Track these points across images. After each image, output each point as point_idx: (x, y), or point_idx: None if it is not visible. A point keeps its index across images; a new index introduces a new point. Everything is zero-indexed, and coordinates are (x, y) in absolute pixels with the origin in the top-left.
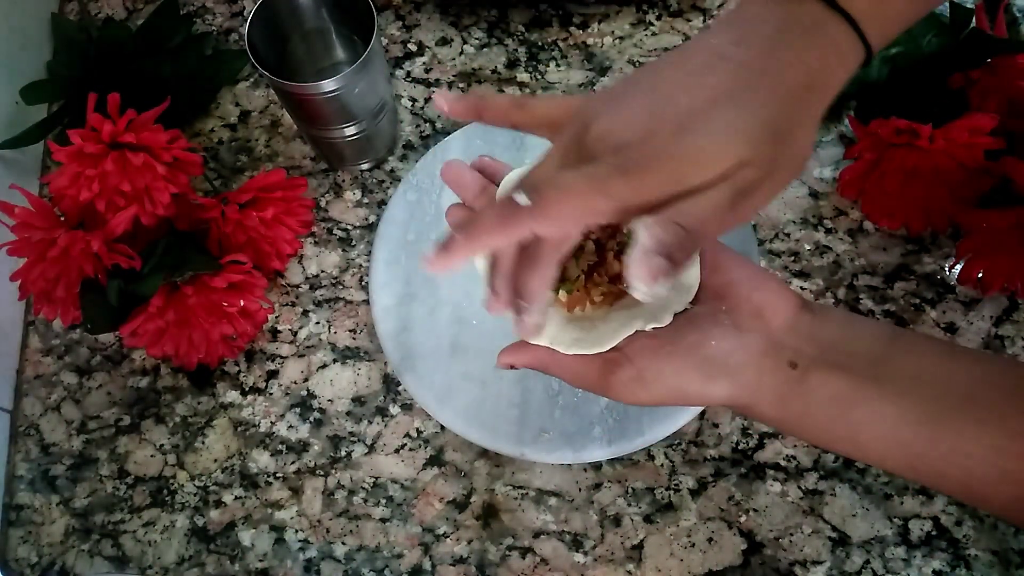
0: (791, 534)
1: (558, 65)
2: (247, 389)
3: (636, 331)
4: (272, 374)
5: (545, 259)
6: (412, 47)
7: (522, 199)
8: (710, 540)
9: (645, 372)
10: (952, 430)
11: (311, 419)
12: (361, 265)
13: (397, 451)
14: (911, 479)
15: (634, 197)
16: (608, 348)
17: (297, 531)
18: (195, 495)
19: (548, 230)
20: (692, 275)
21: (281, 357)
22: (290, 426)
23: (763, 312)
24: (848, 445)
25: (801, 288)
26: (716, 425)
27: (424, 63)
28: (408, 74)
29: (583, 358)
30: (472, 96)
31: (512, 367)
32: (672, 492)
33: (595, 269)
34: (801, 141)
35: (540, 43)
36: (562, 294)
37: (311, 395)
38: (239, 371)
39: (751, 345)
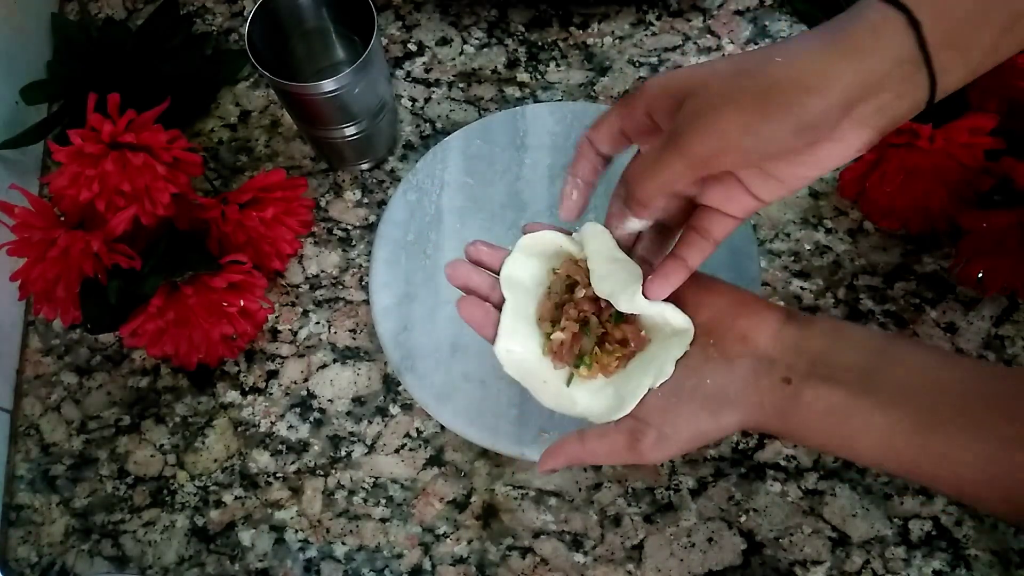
0: (791, 534)
1: (558, 65)
2: (247, 389)
3: (649, 391)
4: (272, 374)
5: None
6: (412, 47)
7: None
8: (710, 540)
9: (664, 429)
10: (942, 439)
11: (311, 419)
12: (361, 265)
13: (397, 451)
14: (909, 482)
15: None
16: (631, 408)
17: (297, 531)
18: (195, 495)
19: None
20: (679, 319)
21: (281, 357)
22: (290, 426)
23: (747, 336)
24: (847, 453)
25: (801, 288)
26: None
27: (424, 63)
28: (408, 74)
29: (609, 438)
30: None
31: (554, 470)
32: (672, 492)
33: (604, 339)
34: (759, 73)
35: (540, 43)
36: (583, 369)
37: (311, 395)
38: (239, 371)
39: (742, 372)
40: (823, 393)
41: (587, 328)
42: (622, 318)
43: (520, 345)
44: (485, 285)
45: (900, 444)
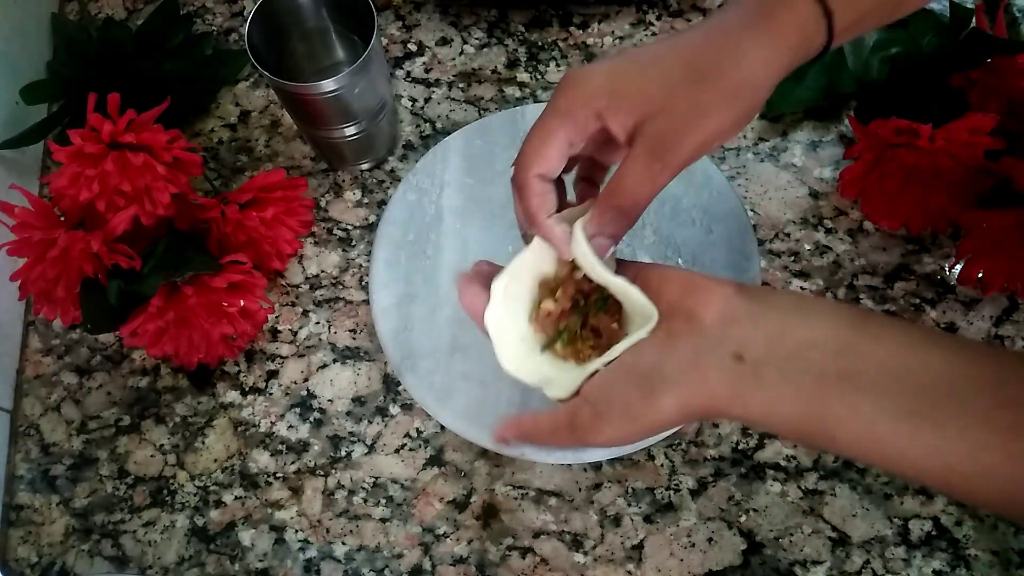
0: (791, 534)
1: (558, 65)
2: (247, 389)
3: (595, 372)
4: (272, 374)
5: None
6: (412, 47)
7: (510, 172)
8: (710, 540)
9: (598, 405)
10: (932, 426)
11: (311, 419)
12: (361, 265)
13: (397, 451)
14: (890, 474)
15: (568, 102)
16: (571, 387)
17: (297, 531)
18: (195, 495)
19: (537, 167)
20: (642, 301)
21: (281, 357)
22: (290, 426)
23: (693, 313)
24: (823, 442)
25: (801, 288)
26: (716, 425)
27: (424, 63)
28: (408, 74)
29: (553, 415)
30: None
31: (506, 442)
32: (672, 492)
33: (584, 324)
34: (732, 78)
35: (540, 43)
36: (558, 345)
37: (311, 395)
38: (239, 371)
39: (684, 348)
40: (789, 374)
41: (579, 308)
42: (602, 308)
43: (509, 306)
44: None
45: (885, 432)
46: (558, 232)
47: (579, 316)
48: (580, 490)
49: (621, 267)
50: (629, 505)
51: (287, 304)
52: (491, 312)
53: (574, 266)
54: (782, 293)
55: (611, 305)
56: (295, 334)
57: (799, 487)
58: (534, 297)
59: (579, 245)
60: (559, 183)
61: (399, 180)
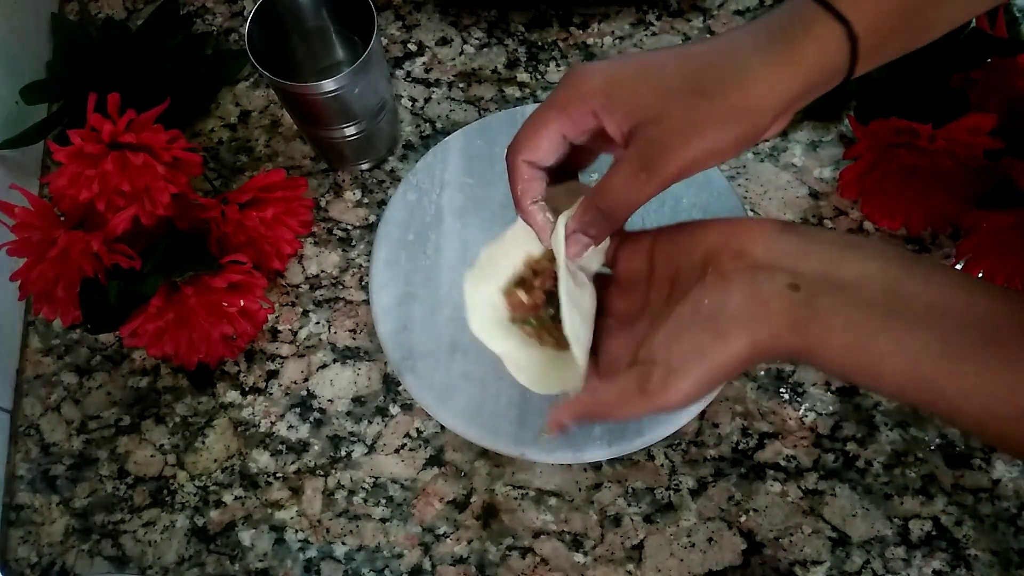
0: (791, 534)
1: (558, 65)
2: (247, 389)
3: (648, 339)
4: (272, 374)
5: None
6: (412, 47)
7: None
8: (710, 540)
9: (671, 362)
10: (975, 366)
11: (311, 419)
12: (361, 265)
13: (397, 451)
14: (925, 412)
15: (566, 98)
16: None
17: (297, 531)
18: (195, 495)
19: (526, 154)
20: (568, 325)
21: (281, 357)
22: (290, 426)
23: (742, 251)
24: (867, 378)
25: None
26: (716, 425)
27: (424, 63)
28: (408, 74)
29: (618, 384)
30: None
31: (563, 428)
32: (672, 492)
33: (556, 315)
34: (733, 99)
35: (540, 43)
36: (527, 327)
37: (311, 395)
38: (239, 371)
39: (741, 284)
40: (840, 305)
41: (551, 300)
42: None
43: (490, 272)
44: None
45: (928, 369)
46: (539, 219)
47: (551, 307)
48: (580, 490)
49: (637, 236)
50: (629, 505)
51: (287, 304)
52: (472, 273)
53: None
54: (825, 230)
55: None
56: (295, 334)
57: (799, 487)
58: (517, 271)
59: (557, 238)
60: (560, 170)
61: (399, 180)
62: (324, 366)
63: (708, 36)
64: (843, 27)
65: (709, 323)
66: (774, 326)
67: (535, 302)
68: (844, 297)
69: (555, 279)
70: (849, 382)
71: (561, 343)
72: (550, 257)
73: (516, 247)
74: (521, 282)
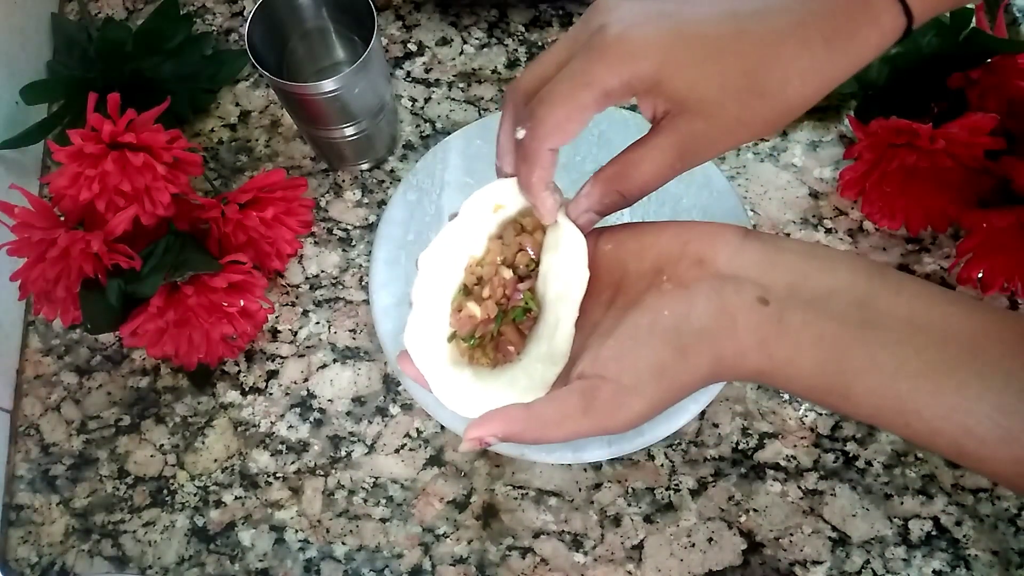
0: (791, 534)
1: None
2: (247, 389)
3: (590, 350)
4: (272, 374)
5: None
6: (412, 47)
7: (520, 133)
8: (710, 540)
9: (622, 379)
10: (955, 384)
11: (311, 419)
12: (361, 265)
13: (397, 451)
14: (900, 436)
15: (611, 80)
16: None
17: (297, 531)
18: (195, 495)
19: (555, 141)
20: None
21: (281, 357)
22: (290, 426)
23: (702, 258)
24: (837, 399)
25: None
26: (716, 425)
27: (424, 63)
28: (408, 74)
29: (558, 401)
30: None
31: (484, 444)
32: (672, 492)
33: (498, 335)
34: (791, 98)
35: (540, 43)
36: (465, 345)
37: (311, 395)
38: (239, 371)
39: (705, 295)
40: (810, 320)
41: (499, 318)
42: (522, 317)
43: (432, 281)
44: None
45: (904, 389)
46: (550, 204)
47: (497, 324)
48: (580, 490)
49: (597, 235)
50: (629, 505)
51: (287, 304)
52: (418, 284)
53: (503, 260)
54: (789, 239)
55: (527, 320)
56: (295, 334)
57: (799, 487)
58: (459, 280)
59: (569, 230)
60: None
61: (399, 180)
62: (324, 366)
63: None
64: (900, 5)
65: (670, 336)
66: (741, 343)
67: (488, 315)
68: (815, 312)
69: (503, 292)
70: (819, 403)
71: (497, 361)
72: (492, 257)
73: (459, 249)
74: (467, 292)
